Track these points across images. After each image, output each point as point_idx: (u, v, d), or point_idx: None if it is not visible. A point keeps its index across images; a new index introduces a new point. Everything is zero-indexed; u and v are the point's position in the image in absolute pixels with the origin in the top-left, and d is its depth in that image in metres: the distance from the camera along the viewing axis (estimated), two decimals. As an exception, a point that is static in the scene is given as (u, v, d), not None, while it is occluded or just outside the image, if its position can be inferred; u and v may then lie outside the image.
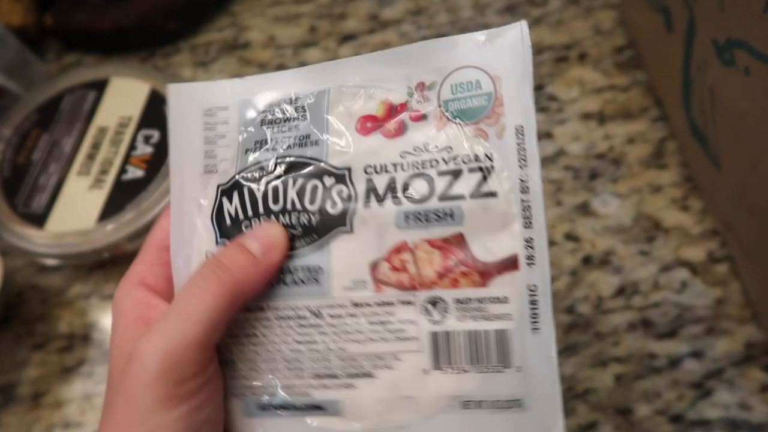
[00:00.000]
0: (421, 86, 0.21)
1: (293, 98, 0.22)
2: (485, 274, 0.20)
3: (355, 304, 0.21)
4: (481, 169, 0.20)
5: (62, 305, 0.40)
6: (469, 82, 0.20)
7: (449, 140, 0.20)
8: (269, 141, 0.22)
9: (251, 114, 0.22)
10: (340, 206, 0.21)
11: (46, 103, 0.42)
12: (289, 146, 0.22)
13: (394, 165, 0.21)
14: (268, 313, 0.22)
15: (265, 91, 0.22)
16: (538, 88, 0.44)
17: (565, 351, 0.35)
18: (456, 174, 0.20)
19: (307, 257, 0.21)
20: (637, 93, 0.43)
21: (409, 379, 0.21)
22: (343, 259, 0.21)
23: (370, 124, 0.21)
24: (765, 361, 0.33)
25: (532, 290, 0.20)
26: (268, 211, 0.21)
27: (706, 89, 0.33)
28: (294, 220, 0.21)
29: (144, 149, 0.39)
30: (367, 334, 0.21)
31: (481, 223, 0.20)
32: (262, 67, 0.48)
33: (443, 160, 0.20)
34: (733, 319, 0.34)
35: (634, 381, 0.33)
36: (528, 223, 0.20)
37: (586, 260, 0.37)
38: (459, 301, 0.20)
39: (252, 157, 0.22)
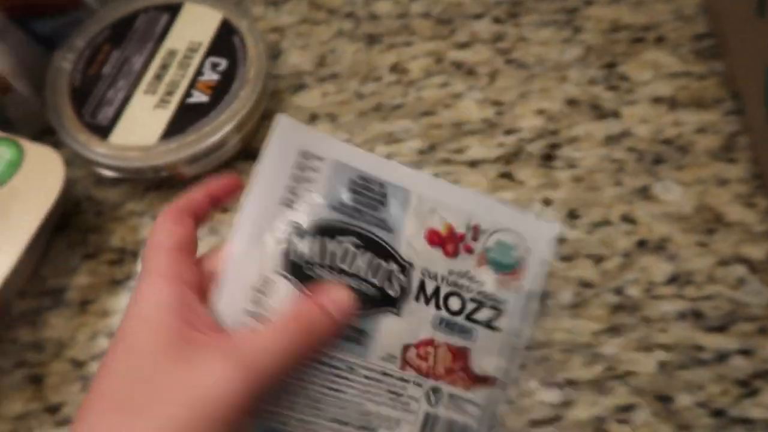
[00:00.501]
0: (476, 229, 0.26)
1: (383, 184, 0.25)
2: (473, 382, 0.25)
3: (384, 373, 0.24)
4: (496, 309, 0.26)
5: (116, 220, 0.38)
6: (507, 243, 0.26)
7: (482, 278, 0.26)
8: (352, 208, 0.24)
9: (344, 177, 0.24)
10: (397, 291, 0.24)
11: (120, 21, 0.40)
12: (367, 221, 0.24)
13: (442, 278, 0.25)
14: None
15: (363, 167, 0.25)
16: (610, 66, 0.40)
17: (609, 331, 0.32)
18: (480, 305, 0.26)
19: (359, 320, 0.24)
20: (713, 83, 0.39)
21: None
22: (386, 334, 0.24)
23: (436, 238, 0.25)
24: (816, 369, 0.30)
25: (494, 403, 0.26)
26: (336, 267, 0.24)
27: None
28: (357, 285, 0.24)
29: (210, 76, 0.37)
30: (384, 399, 0.24)
31: (483, 346, 0.26)
32: (332, 13, 0.45)
33: (476, 291, 0.26)
34: (789, 322, 0.31)
35: (677, 370, 0.31)
36: (510, 359, 0.26)
37: (641, 244, 0.35)
38: (451, 396, 0.25)
39: (333, 214, 0.24)
